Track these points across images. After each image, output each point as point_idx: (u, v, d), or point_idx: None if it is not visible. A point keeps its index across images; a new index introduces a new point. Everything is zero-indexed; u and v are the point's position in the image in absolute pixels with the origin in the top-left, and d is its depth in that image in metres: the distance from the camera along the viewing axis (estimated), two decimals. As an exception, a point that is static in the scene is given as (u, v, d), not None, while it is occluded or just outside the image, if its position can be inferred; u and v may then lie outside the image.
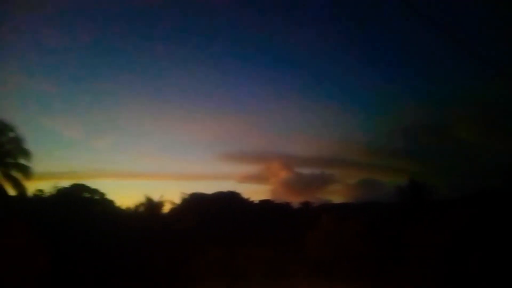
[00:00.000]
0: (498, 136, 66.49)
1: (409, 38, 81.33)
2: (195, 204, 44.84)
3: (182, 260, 36.81)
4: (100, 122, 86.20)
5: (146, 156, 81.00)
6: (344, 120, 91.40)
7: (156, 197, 45.01)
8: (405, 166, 79.93)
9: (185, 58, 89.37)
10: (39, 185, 41.69)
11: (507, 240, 28.91)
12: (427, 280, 30.27)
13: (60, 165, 70.70)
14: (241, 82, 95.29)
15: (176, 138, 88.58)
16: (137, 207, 45.15)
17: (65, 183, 42.15)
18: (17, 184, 32.78)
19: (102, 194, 43.25)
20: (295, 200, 52.88)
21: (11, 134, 33.29)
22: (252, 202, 48.51)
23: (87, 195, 42.70)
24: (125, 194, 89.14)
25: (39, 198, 40.43)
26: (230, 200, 45.40)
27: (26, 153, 33.26)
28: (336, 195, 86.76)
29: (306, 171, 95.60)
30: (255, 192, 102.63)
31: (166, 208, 46.25)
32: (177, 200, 47.11)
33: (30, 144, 33.71)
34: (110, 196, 43.94)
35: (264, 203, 49.04)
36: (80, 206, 39.62)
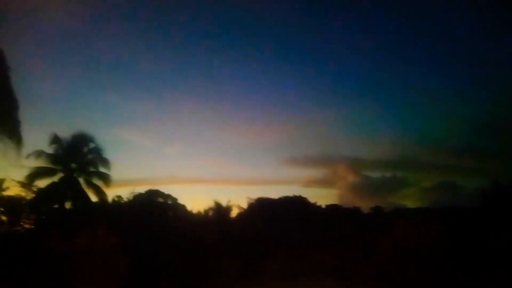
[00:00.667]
0: None
1: (485, 38, 74.93)
2: (262, 209, 44.99)
3: (250, 264, 37.06)
4: (170, 129, 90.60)
5: (214, 162, 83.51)
6: (415, 120, 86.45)
7: (224, 202, 46.15)
8: (488, 167, 73.23)
9: (249, 64, 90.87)
10: (117, 191, 44.88)
11: None
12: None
13: (135, 172, 75.50)
14: (305, 85, 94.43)
15: (242, 143, 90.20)
16: (206, 211, 46.62)
17: (141, 189, 44.63)
18: (99, 191, 35.55)
19: (174, 199, 45.19)
20: (365, 205, 50.70)
21: (91, 145, 36.29)
22: (319, 206, 47.47)
23: (161, 200, 44.86)
24: (195, 199, 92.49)
25: (118, 204, 43.25)
26: (296, 204, 44.84)
27: (105, 162, 36.03)
28: (410, 200, 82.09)
29: (375, 174, 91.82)
30: (321, 197, 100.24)
31: (234, 213, 47.18)
32: (244, 204, 47.76)
33: (107, 153, 36.46)
34: (181, 201, 45.81)
35: (331, 207, 47.75)
36: (155, 210, 41.65)
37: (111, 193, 39.47)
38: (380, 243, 36.33)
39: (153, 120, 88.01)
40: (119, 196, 43.74)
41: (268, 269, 36.48)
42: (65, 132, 35.84)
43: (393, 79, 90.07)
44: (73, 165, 35.54)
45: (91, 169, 35.89)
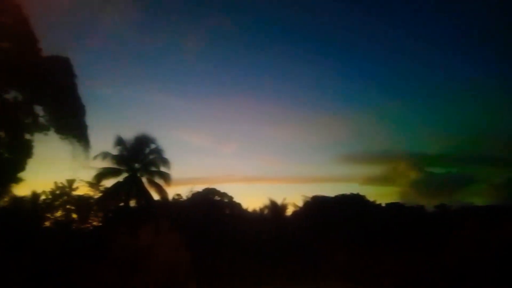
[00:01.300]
0: None
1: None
2: (318, 207, 44.32)
3: (306, 263, 36.61)
4: (226, 130, 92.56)
5: (269, 160, 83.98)
6: (483, 112, 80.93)
7: (279, 200, 46.09)
8: None
9: (303, 63, 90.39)
10: (177, 190, 46.47)
11: None
12: None
13: (193, 171, 78.08)
14: (362, 79, 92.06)
15: (297, 141, 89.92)
16: (262, 209, 46.82)
17: (198, 187, 45.81)
18: (160, 190, 36.93)
19: (230, 197, 45.92)
20: (429, 203, 48.11)
21: (152, 146, 37.81)
22: (378, 205, 45.84)
23: (217, 198, 45.76)
24: (250, 197, 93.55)
25: (178, 202, 44.70)
26: (354, 203, 43.64)
27: (165, 162, 37.37)
28: (479, 197, 77.20)
29: (439, 170, 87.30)
30: (381, 195, 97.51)
31: (289, 211, 46.93)
32: (299, 202, 47.35)
33: (167, 154, 37.82)
34: (237, 199, 46.45)
35: (392, 206, 45.87)
36: (213, 208, 42.55)
37: (171, 192, 40.93)
38: (447, 244, 34.29)
39: (210, 121, 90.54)
40: (178, 195, 45.27)
41: (325, 269, 35.80)
42: (129, 134, 37.69)
43: (461, 70, 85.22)
44: (136, 165, 37.23)
45: (153, 168, 37.38)
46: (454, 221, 36.48)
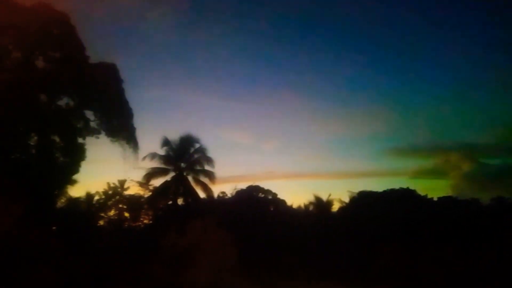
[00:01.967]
0: None
1: None
2: (365, 203, 43.04)
3: (354, 260, 35.71)
4: (267, 127, 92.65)
5: (312, 156, 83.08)
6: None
7: (324, 196, 45.32)
8: None
9: (346, 57, 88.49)
10: (221, 187, 47.12)
11: None
12: None
13: (236, 169, 79.08)
14: (410, 72, 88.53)
15: (341, 135, 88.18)
16: (307, 206, 46.26)
17: (242, 185, 46.10)
18: (206, 188, 37.64)
19: (274, 194, 45.76)
20: (484, 196, 45.23)
21: (196, 145, 38.59)
22: (430, 199, 43.70)
23: (261, 195, 45.80)
24: (294, 194, 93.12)
25: (223, 199, 45.28)
26: (404, 197, 41.88)
27: (209, 161, 38.01)
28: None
29: (495, 161, 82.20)
30: (432, 189, 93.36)
31: (335, 207, 46.02)
32: (345, 198, 46.27)
33: (211, 152, 38.46)
34: (281, 195, 46.20)
35: (445, 200, 43.55)
36: (257, 205, 42.66)
37: (216, 190, 41.53)
38: (504, 239, 32.16)
39: (251, 119, 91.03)
40: (223, 192, 45.78)
41: (374, 269, 34.69)
42: (174, 135, 38.72)
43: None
44: (182, 164, 38.16)
45: (198, 167, 38.15)
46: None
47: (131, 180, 40.34)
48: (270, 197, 45.58)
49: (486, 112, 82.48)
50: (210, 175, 37.63)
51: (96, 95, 28.13)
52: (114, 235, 33.84)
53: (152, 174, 37.44)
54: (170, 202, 37.92)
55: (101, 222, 39.10)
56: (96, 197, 39.68)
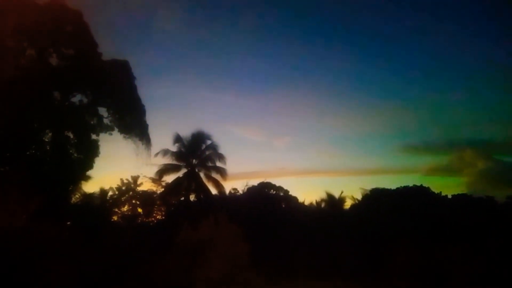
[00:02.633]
0: None
1: None
2: (378, 200, 42.64)
3: (367, 258, 35.42)
4: (279, 123, 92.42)
5: (324, 153, 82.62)
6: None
7: (336, 193, 45.07)
8: None
9: (359, 53, 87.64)
10: (233, 184, 47.20)
11: None
12: None
13: (247, 166, 79.12)
14: (424, 68, 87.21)
15: (354, 132, 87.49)
16: (319, 203, 46.06)
17: (253, 181, 46.11)
18: (217, 184, 37.78)
19: (286, 191, 45.67)
20: (500, 194, 44.40)
21: (208, 142, 38.71)
22: (444, 197, 43.07)
23: (273, 191, 45.75)
24: (306, 191, 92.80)
25: (234, 196, 45.37)
26: (418, 195, 41.34)
27: (221, 157, 38.13)
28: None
29: (509, 158, 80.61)
30: (446, 186, 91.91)
31: (347, 204, 45.73)
32: (358, 195, 45.92)
33: (223, 149, 38.53)
34: (292, 192, 46.08)
35: (459, 197, 42.88)
36: (269, 202, 42.63)
37: (227, 186, 41.61)
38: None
39: (263, 115, 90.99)
40: (235, 189, 45.89)
41: (387, 266, 34.30)
42: (186, 131, 38.89)
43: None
44: (194, 161, 38.34)
45: (209, 164, 38.27)
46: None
47: (144, 176, 40.71)
48: (281, 193, 45.51)
49: (500, 108, 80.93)
50: (222, 172, 37.76)
51: (109, 92, 28.38)
52: (127, 231, 34.15)
53: (164, 170, 37.72)
54: (182, 198, 38.20)
55: (115, 218, 39.52)
56: (110, 193, 40.10)
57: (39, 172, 24.47)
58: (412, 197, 40.92)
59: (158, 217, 41.67)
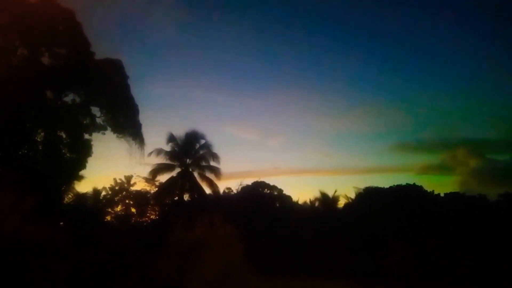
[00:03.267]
0: None
1: None
2: (371, 199, 42.90)
3: (361, 256, 35.56)
4: (272, 123, 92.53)
5: (318, 152, 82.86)
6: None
7: (330, 192, 45.27)
8: None
9: (351, 53, 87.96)
10: (227, 183, 47.24)
11: None
12: None
13: (241, 165, 79.14)
14: (416, 67, 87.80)
15: (346, 131, 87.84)
16: (312, 202, 46.24)
17: (247, 181, 46.18)
18: (211, 183, 37.81)
19: (280, 190, 45.78)
20: (492, 192, 44.89)
21: (202, 141, 38.73)
22: (437, 195, 43.46)
23: (267, 191, 45.83)
24: (300, 190, 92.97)
25: (228, 195, 45.38)
26: (410, 193, 41.66)
27: (215, 157, 38.17)
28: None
29: (503, 157, 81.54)
30: (439, 185, 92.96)
31: (341, 203, 45.95)
32: (351, 194, 46.17)
33: (217, 149, 38.55)
34: (286, 191, 46.21)
35: (452, 196, 43.32)
36: (263, 201, 42.69)
37: (221, 185, 41.65)
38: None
39: (256, 115, 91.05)
40: (229, 188, 45.94)
41: (381, 263, 34.47)
42: (179, 131, 38.87)
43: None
44: (188, 160, 38.34)
45: (203, 163, 38.31)
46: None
47: (137, 176, 40.58)
48: (275, 193, 45.60)
49: (493, 107, 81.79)
50: (216, 171, 37.81)
51: (101, 91, 28.25)
52: (121, 231, 34.01)
53: (158, 170, 37.65)
54: (176, 198, 38.12)
55: (108, 218, 39.37)
56: (103, 193, 39.93)
57: (31, 172, 24.30)
58: (405, 195, 41.23)
59: (152, 217, 41.55)
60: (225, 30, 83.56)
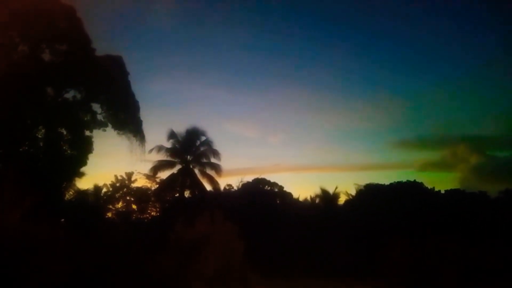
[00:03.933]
0: None
1: None
2: (372, 196, 42.92)
3: (361, 253, 35.58)
4: (273, 120, 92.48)
5: (319, 149, 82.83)
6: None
7: (330, 189, 45.29)
8: None
9: (352, 50, 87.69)
10: (228, 180, 47.34)
11: None
12: None
13: (242, 162, 79.13)
14: (415, 63, 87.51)
15: (347, 128, 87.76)
16: (313, 199, 46.25)
17: (248, 177, 46.25)
18: (212, 180, 37.81)
19: (280, 187, 45.82)
20: (492, 189, 44.90)
21: (203, 138, 38.72)
22: (437, 192, 43.46)
23: (267, 188, 45.86)
24: (301, 187, 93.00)
25: (229, 192, 45.43)
26: (411, 190, 41.68)
27: (216, 153, 38.16)
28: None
29: (503, 153, 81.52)
30: (439, 181, 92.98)
31: (342, 200, 45.97)
32: (352, 191, 46.18)
33: (218, 145, 38.54)
34: (287, 188, 46.25)
35: (452, 193, 43.32)
36: (263, 198, 42.73)
37: (222, 182, 41.72)
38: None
39: (257, 112, 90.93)
40: (229, 185, 46.03)
41: (381, 260, 34.49)
42: (180, 128, 38.82)
43: None
44: (189, 157, 38.32)
45: (204, 160, 38.33)
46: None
47: (138, 172, 40.73)
48: (276, 189, 45.64)
49: (493, 104, 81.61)
50: (217, 168, 37.82)
51: (102, 88, 28.15)
52: (121, 227, 34.07)
53: (158, 166, 37.65)
54: (177, 195, 38.15)
55: (109, 214, 39.49)
56: (104, 190, 40.02)
57: (32, 169, 24.28)
58: (406, 192, 41.26)
59: (152, 213, 41.65)
60: (225, 27, 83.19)
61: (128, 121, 30.04)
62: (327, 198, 44.99)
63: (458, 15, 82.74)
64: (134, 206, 41.53)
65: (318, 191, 45.51)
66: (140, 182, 41.44)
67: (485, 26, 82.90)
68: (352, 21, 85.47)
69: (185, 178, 37.63)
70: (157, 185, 40.28)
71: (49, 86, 27.08)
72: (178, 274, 26.16)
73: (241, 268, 29.15)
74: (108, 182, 40.56)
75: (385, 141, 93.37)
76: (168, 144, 38.06)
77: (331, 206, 44.04)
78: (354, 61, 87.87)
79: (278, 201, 44.76)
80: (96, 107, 28.94)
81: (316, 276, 33.87)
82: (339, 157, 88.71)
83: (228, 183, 46.14)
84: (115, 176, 41.11)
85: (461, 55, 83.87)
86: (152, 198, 40.93)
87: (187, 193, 37.91)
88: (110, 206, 40.01)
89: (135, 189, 41.39)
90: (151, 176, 39.63)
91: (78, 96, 28.14)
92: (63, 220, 27.68)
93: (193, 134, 38.48)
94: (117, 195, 40.67)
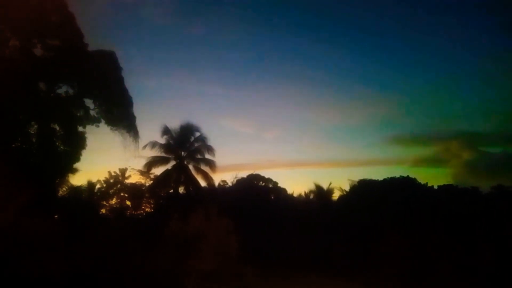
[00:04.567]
0: None
1: None
2: (365, 191, 43.16)
3: (355, 248, 35.82)
4: (268, 116, 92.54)
5: (313, 144, 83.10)
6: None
7: (324, 185, 45.49)
8: None
9: (346, 45, 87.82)
10: (222, 176, 47.30)
11: None
12: None
13: (236, 158, 79.15)
14: (409, 58, 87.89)
15: (341, 124, 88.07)
16: (307, 194, 46.45)
17: (243, 173, 46.26)
18: (206, 176, 37.72)
19: (275, 183, 45.93)
20: (484, 185, 45.33)
21: (197, 134, 38.56)
22: (430, 187, 43.82)
23: (262, 183, 45.93)
24: (295, 182, 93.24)
25: (224, 188, 45.42)
26: (404, 186, 41.96)
27: (210, 149, 38.03)
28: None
29: (495, 149, 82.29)
30: (432, 177, 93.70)
31: (335, 195, 46.20)
32: (346, 187, 46.44)
33: (212, 141, 38.43)
34: (281, 184, 46.39)
35: (445, 188, 43.73)
36: (257, 194, 42.79)
37: (217, 178, 41.66)
38: (504, 227, 32.23)
39: (252, 107, 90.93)
40: (224, 181, 46.01)
41: (375, 255, 34.76)
42: (174, 124, 38.66)
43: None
44: (183, 153, 38.16)
45: (198, 156, 38.17)
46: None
47: (132, 168, 40.46)
48: (270, 185, 45.75)
49: (486, 100, 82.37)
50: (211, 164, 37.70)
51: (95, 83, 27.92)
52: (116, 223, 33.93)
53: (152, 162, 37.47)
54: (171, 191, 38.01)
55: (103, 211, 39.25)
56: (98, 186, 39.76)
57: (25, 165, 24.07)
58: (399, 188, 41.54)
59: (147, 209, 41.49)
60: (220, 23, 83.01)
61: (122, 117, 29.84)
62: (321, 194, 45.20)
63: (451, 11, 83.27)
64: (128, 202, 41.31)
65: (312, 187, 45.81)
66: (134, 178, 41.26)
67: (480, 23, 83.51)
68: (346, 18, 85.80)
69: (179, 174, 37.50)
70: (151, 181, 40.10)
71: (41, 81, 26.80)
72: (173, 270, 26.16)
73: (235, 263, 29.20)
74: (102, 178, 40.31)
75: (379, 137, 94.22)
76: (162, 140, 37.93)
77: (325, 202, 44.23)
78: (348, 58, 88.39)
79: (272, 197, 44.87)
80: (89, 102, 28.75)
81: (310, 271, 34.07)
82: (333, 153, 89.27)
83: (223, 179, 46.19)
84: (109, 172, 40.85)
85: (454, 52, 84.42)
86: (146, 194, 40.75)
87: (181, 189, 37.77)
88: (104, 202, 39.75)
89: (129, 185, 41.15)
90: (145, 172, 39.43)
91: (71, 91, 27.89)
92: (56, 216, 27.51)
93: (187, 130, 38.32)
94: (111, 191, 40.40)
